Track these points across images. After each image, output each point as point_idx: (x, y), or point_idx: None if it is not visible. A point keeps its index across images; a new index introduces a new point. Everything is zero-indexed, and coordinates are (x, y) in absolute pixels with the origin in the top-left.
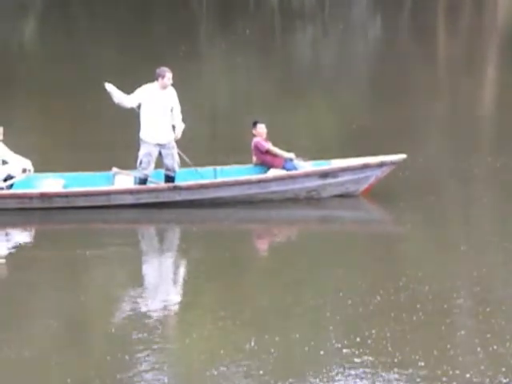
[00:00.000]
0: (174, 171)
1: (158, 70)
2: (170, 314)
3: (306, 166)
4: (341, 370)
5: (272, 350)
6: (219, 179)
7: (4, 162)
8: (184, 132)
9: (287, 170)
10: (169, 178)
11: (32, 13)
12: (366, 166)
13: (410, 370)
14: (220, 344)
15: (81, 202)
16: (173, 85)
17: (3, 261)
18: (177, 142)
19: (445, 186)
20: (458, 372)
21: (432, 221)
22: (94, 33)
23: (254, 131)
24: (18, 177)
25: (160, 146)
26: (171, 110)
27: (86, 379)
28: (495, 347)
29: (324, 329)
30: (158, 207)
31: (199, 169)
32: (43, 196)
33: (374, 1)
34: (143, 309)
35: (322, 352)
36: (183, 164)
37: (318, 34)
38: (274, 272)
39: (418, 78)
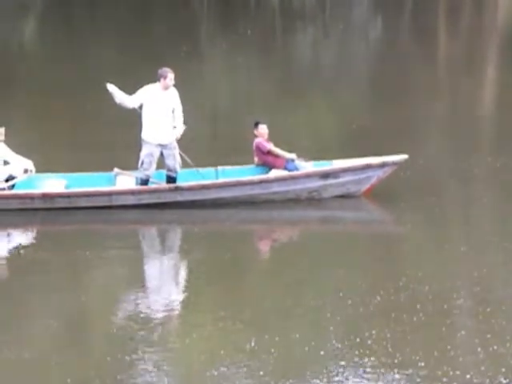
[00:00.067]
0: (176, 172)
1: (159, 71)
2: (171, 315)
3: (307, 166)
4: (341, 370)
5: (272, 351)
6: (221, 180)
7: (6, 163)
8: (185, 132)
9: (289, 170)
10: (170, 179)
11: (32, 13)
12: (367, 167)
13: (411, 371)
14: (220, 344)
15: (82, 203)
16: (174, 85)
17: (4, 261)
18: (178, 142)
19: (445, 186)
20: (458, 372)
21: (433, 221)
22: (95, 33)
23: (255, 132)
24: (20, 177)
25: (162, 146)
26: (173, 111)
27: (86, 379)
28: (495, 347)
29: (324, 329)
30: (159, 208)
31: (201, 169)
32: (45, 196)
33: (375, 2)
34: (144, 309)
35: (322, 352)
36: (185, 165)
37: (318, 34)
38: (274, 272)
39: (419, 79)
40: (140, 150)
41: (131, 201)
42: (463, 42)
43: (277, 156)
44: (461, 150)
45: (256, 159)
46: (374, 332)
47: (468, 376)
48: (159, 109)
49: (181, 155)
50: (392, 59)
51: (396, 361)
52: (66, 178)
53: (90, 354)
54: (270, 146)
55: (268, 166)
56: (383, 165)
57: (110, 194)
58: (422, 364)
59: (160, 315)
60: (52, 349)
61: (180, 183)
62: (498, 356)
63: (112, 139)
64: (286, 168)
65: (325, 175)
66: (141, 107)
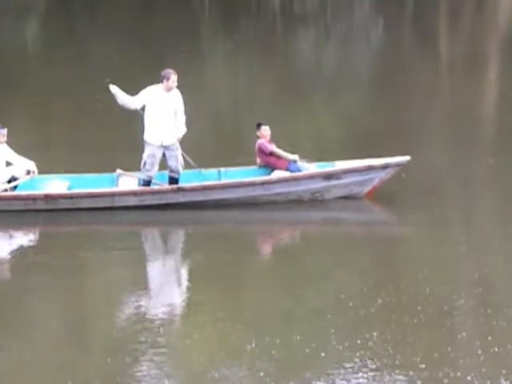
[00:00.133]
0: (178, 173)
1: (162, 72)
2: (171, 316)
3: (309, 167)
4: (341, 372)
5: (273, 352)
6: (223, 181)
7: (8, 164)
8: (188, 134)
9: (291, 171)
10: (173, 180)
11: (33, 13)
12: (370, 168)
13: (411, 373)
14: (221, 345)
15: (85, 204)
16: (177, 86)
17: (7, 262)
18: (181, 143)
19: (447, 188)
20: (459, 374)
21: (434, 222)
22: (96, 33)
23: (257, 133)
24: (22, 178)
25: (164, 147)
26: (175, 113)
27: (86, 380)
28: (496, 349)
29: (325, 331)
30: (161, 209)
31: (203, 170)
32: (47, 197)
33: (376, 3)
34: (144, 310)
35: (322, 354)
36: (187, 166)
37: (319, 35)
38: (275, 274)
39: (420, 79)
40: (142, 151)
41: (133, 202)
42: (464, 43)
43: (279, 157)
44: (462, 151)
45: (258, 160)
46: (374, 334)
47: (469, 378)
48: (162, 110)
49: (183, 156)
50: (393, 60)
51: (397, 362)
52: (69, 179)
53: (91, 355)
54: (273, 148)
55: (270, 168)
56: (386, 166)
57: (112, 195)
58: (423, 366)
59: (160, 316)
60: (53, 349)
61: (182, 184)
62: (499, 358)
63: (114, 140)
64: (288, 169)
65: (327, 176)
66: (143, 108)
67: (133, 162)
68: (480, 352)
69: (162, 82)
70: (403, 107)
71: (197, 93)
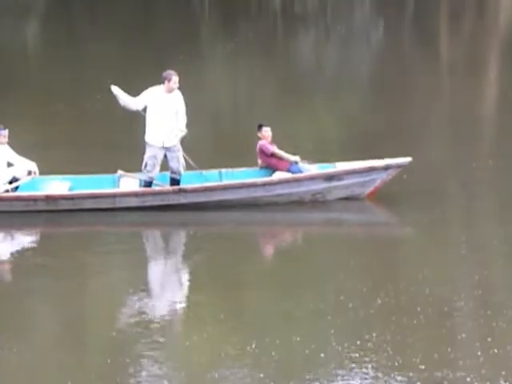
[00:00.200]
0: (180, 174)
1: (164, 74)
2: (171, 317)
3: (311, 168)
4: (341, 372)
5: (273, 353)
6: (224, 182)
7: (9, 165)
8: (189, 135)
9: (292, 172)
10: (174, 181)
11: (34, 13)
12: (371, 169)
13: (411, 374)
14: (221, 347)
15: (86, 205)
16: (178, 88)
17: (7, 263)
18: (182, 144)
19: (448, 189)
20: (458, 375)
21: (435, 223)
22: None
23: (259, 134)
24: (24, 179)
25: (165, 148)
26: (176, 114)
27: (86, 381)
28: (496, 350)
29: (325, 332)
30: (163, 210)
31: (204, 172)
32: (48, 198)
33: (377, 4)
34: (144, 311)
35: (322, 355)
36: (188, 167)
37: (320, 36)
38: (276, 275)
39: (421, 80)
40: (143, 152)
41: (135, 203)
42: (465, 44)
43: (280, 158)
44: (462, 152)
45: (260, 161)
46: (374, 335)
47: (468, 379)
48: (163, 111)
49: (184, 157)
50: (394, 61)
51: (396, 363)
52: (70, 180)
53: (91, 356)
54: (274, 149)
55: (271, 169)
56: (387, 167)
57: (113, 196)
58: (423, 367)
59: (161, 317)
60: (53, 350)
61: (184, 185)
62: (499, 359)
63: (116, 141)
64: (289, 170)
65: (329, 177)
66: (145, 109)
67: (134, 163)
68: (480, 353)
69: (163, 83)
70: (404, 109)
71: (197, 94)
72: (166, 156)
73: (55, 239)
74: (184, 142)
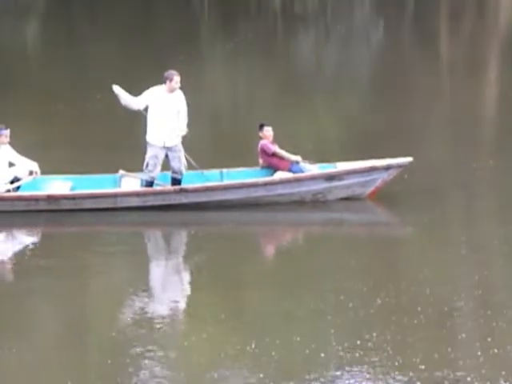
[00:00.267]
0: (181, 174)
1: (166, 73)
2: (172, 317)
3: (312, 168)
4: (341, 372)
5: (273, 353)
6: (225, 182)
7: (11, 164)
8: (189, 135)
9: (293, 172)
10: (175, 181)
11: (34, 13)
12: (372, 169)
13: (411, 374)
14: (220, 347)
15: (88, 205)
16: (179, 88)
17: (9, 263)
18: (183, 144)
19: (449, 189)
20: (458, 375)
21: (436, 223)
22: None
23: (260, 134)
24: (25, 179)
25: (166, 148)
26: (178, 114)
27: (86, 381)
28: (496, 350)
29: (325, 332)
30: (164, 210)
31: (205, 171)
32: (50, 198)
33: (377, 4)
34: (145, 311)
35: (322, 355)
36: (189, 167)
37: (320, 36)
38: (277, 274)
39: (421, 80)
40: (145, 152)
41: (136, 203)
42: (465, 44)
43: (282, 158)
44: (463, 152)
45: (261, 161)
46: (374, 334)
47: (468, 379)
48: (164, 111)
49: (186, 157)
50: (394, 61)
51: (396, 363)
52: (71, 180)
53: (91, 357)
54: (275, 148)
55: (273, 168)
56: (388, 167)
57: (115, 195)
58: (423, 367)
59: (161, 317)
60: (53, 350)
61: (185, 185)
62: (499, 359)
63: (117, 141)
64: (290, 170)
65: (330, 177)
66: (146, 109)
67: (135, 163)
68: (480, 353)
69: (164, 82)
70: (404, 108)
71: (198, 94)
72: (167, 156)
73: (56, 239)
74: (185, 141)
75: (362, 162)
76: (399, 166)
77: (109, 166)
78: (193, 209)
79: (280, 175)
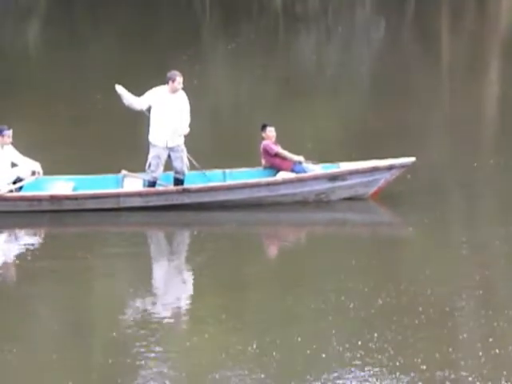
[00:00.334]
0: (183, 174)
1: (168, 74)
2: (173, 317)
3: (315, 169)
4: (342, 373)
5: (274, 353)
6: (228, 182)
7: (13, 165)
8: (191, 135)
9: (296, 172)
10: (178, 181)
11: (35, 15)
12: (375, 169)
13: (412, 374)
14: (222, 347)
15: (90, 205)
16: (182, 88)
17: (11, 263)
18: (185, 144)
19: (452, 189)
20: (459, 375)
21: (440, 223)
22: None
23: (263, 134)
24: (28, 179)
25: (169, 149)
26: (180, 114)
27: (87, 381)
28: (497, 351)
29: (326, 332)
30: (166, 210)
31: (208, 172)
32: (53, 198)
33: (377, 4)
34: (146, 311)
35: (323, 355)
36: (192, 167)
37: (321, 37)
38: (279, 275)
39: (422, 81)
40: (147, 152)
41: (139, 203)
42: (466, 44)
43: (284, 158)
44: (464, 152)
45: (263, 161)
46: (375, 335)
47: (470, 379)
48: (167, 112)
49: (188, 158)
50: (395, 61)
51: (397, 364)
52: (74, 180)
53: (92, 357)
54: (278, 149)
55: (275, 169)
56: (391, 167)
57: (117, 196)
58: (424, 367)
59: (161, 318)
60: (54, 351)
61: (187, 185)
62: (500, 359)
63: (119, 141)
64: (293, 170)
65: (333, 178)
66: (149, 109)
67: (138, 163)
68: (481, 353)
69: (167, 83)
70: (405, 108)
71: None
72: (169, 156)
73: (59, 239)
74: (187, 142)
75: (365, 162)
76: (402, 166)
77: (111, 167)
78: (195, 209)
79: (283, 175)
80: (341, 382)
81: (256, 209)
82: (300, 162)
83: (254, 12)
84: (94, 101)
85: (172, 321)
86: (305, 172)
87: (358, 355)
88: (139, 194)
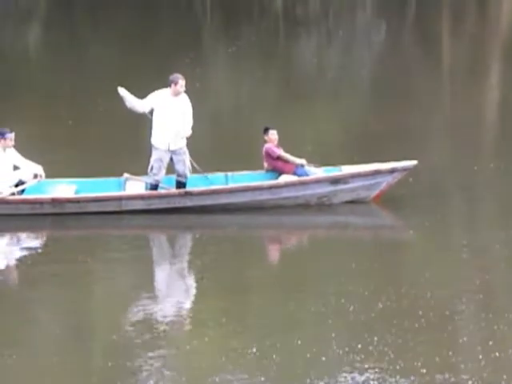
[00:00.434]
0: (186, 177)
1: (171, 77)
2: (173, 321)
3: (317, 172)
4: (342, 376)
5: (274, 356)
6: (230, 185)
7: (15, 168)
8: (193, 138)
9: (298, 175)
10: (180, 184)
11: (35, 18)
12: (377, 173)
13: (412, 377)
14: (222, 350)
15: (92, 208)
16: (185, 91)
17: (13, 266)
18: (187, 147)
19: (453, 192)
20: (460, 379)
21: (441, 227)
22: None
23: (265, 137)
24: (30, 182)
25: (171, 152)
26: (183, 117)
27: None
28: (497, 354)
29: (326, 335)
30: (169, 213)
31: (210, 175)
32: (55, 201)
33: (378, 7)
34: (147, 314)
35: (323, 358)
36: (194, 171)
37: (322, 40)
38: (280, 278)
39: (422, 84)
40: (150, 155)
41: (141, 206)
42: (467, 47)
43: (286, 161)
44: (465, 155)
45: (265, 165)
46: (375, 338)
47: (470, 382)
48: (169, 115)
49: (190, 161)
50: (395, 64)
51: (398, 367)
52: (76, 184)
53: (92, 360)
54: (280, 152)
55: (277, 172)
56: (393, 170)
57: (119, 199)
58: (424, 370)
59: (162, 321)
60: (54, 355)
61: (190, 188)
62: (500, 362)
63: (122, 144)
64: (295, 173)
65: (335, 181)
66: (151, 112)
67: (140, 167)
68: (481, 357)
69: (169, 86)
70: (406, 111)
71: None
72: (171, 159)
73: (61, 242)
74: (189, 145)
75: (367, 165)
76: (404, 169)
77: (113, 169)
78: (197, 212)
79: (285, 178)
80: None
81: (258, 212)
82: (302, 165)
83: (254, 15)
84: (95, 103)
85: (172, 324)
86: (307, 175)
87: (358, 359)
88: (141, 197)
